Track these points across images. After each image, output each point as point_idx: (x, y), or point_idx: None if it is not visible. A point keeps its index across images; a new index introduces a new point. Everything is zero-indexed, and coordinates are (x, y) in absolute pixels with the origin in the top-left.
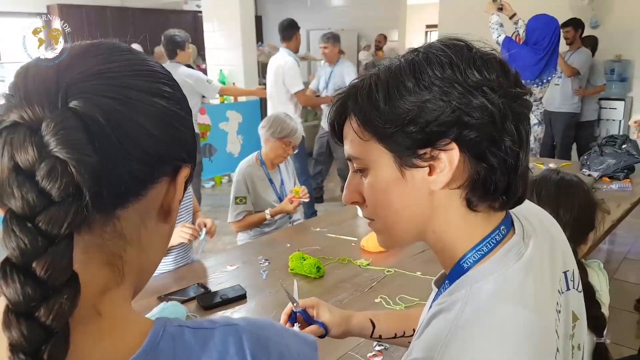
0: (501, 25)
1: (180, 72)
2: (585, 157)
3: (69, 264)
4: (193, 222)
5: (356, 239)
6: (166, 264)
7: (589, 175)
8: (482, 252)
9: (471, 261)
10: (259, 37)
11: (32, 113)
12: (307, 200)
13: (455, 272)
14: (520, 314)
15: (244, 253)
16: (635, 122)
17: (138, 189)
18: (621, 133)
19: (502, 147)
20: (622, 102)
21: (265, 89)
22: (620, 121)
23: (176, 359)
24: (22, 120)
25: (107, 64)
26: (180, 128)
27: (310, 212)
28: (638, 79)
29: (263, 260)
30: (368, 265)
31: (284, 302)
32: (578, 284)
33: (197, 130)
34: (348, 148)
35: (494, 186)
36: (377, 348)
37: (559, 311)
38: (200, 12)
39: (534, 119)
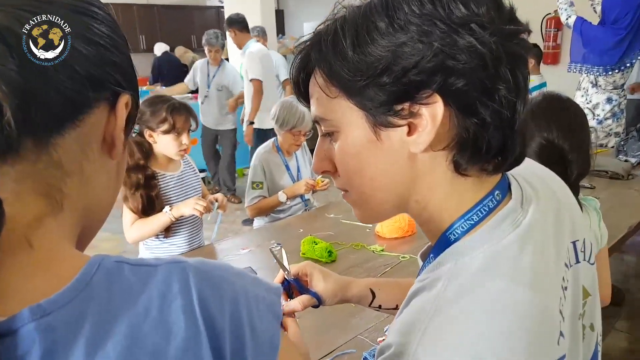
0: (571, 4)
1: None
2: (622, 142)
3: None
4: None
5: (371, 225)
6: (180, 246)
7: (626, 160)
8: (472, 222)
9: (459, 232)
10: (280, 30)
11: None
12: (324, 189)
13: (441, 244)
14: (513, 291)
15: (257, 237)
16: None
17: (73, 112)
18: None
19: (495, 97)
20: None
21: None
22: None
23: (111, 295)
24: None
25: None
26: (112, 50)
27: None
28: None
29: (275, 244)
30: (382, 251)
31: None
32: (590, 256)
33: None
34: (314, 108)
35: (486, 145)
36: (388, 332)
37: (566, 288)
38: (223, 7)
39: (608, 111)
